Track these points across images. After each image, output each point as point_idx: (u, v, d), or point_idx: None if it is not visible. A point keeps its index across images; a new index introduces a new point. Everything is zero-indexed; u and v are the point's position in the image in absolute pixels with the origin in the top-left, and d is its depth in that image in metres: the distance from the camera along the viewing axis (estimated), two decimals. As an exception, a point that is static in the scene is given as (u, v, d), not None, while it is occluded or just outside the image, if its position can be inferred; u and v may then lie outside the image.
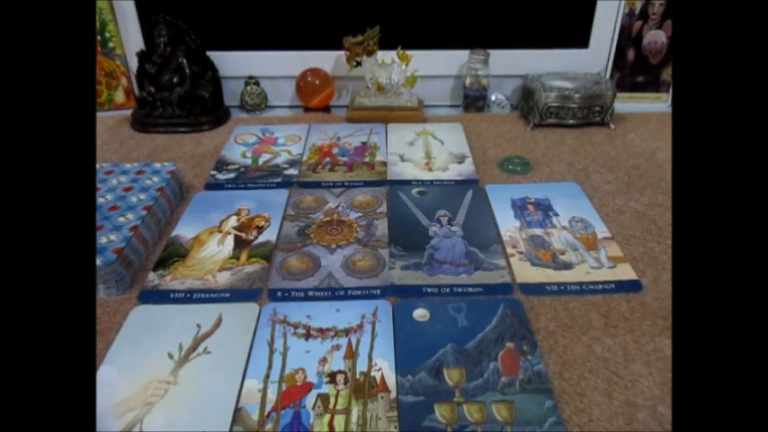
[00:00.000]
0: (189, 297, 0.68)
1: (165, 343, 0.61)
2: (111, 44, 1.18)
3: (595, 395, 0.55)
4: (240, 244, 0.78)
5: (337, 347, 0.60)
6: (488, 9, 1.18)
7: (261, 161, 1.01)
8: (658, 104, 1.26)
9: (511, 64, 1.22)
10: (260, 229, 0.81)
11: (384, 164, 0.99)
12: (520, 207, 0.86)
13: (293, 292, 0.69)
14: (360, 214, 0.85)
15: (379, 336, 0.62)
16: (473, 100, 1.22)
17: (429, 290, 0.69)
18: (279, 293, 0.68)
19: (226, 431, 0.51)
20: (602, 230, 0.80)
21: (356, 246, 0.77)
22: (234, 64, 1.21)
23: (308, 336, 0.62)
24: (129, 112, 1.18)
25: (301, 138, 1.09)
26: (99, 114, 1.21)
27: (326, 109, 1.25)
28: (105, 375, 0.57)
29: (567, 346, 0.61)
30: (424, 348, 0.60)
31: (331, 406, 0.54)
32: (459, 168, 0.98)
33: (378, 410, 0.53)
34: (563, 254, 0.76)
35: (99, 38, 1.17)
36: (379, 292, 0.68)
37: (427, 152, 1.04)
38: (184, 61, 1.14)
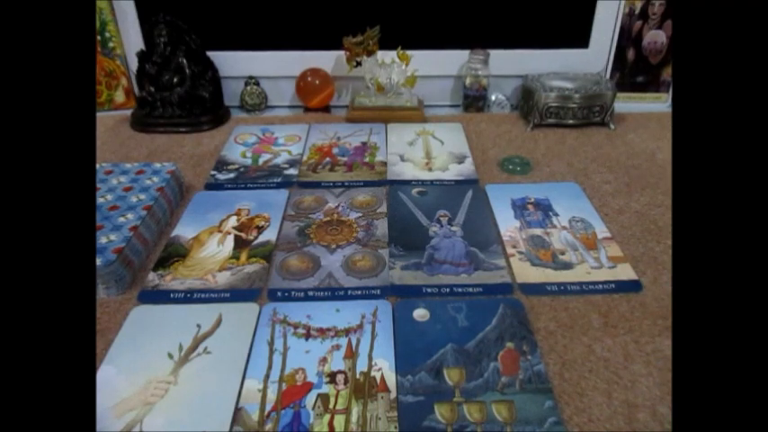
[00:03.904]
0: (189, 297, 0.68)
1: (165, 343, 0.61)
2: (111, 44, 1.18)
3: (595, 395, 0.55)
4: (240, 244, 0.78)
5: (337, 347, 0.60)
6: (488, 9, 1.18)
7: (261, 161, 1.01)
8: (658, 104, 1.26)
9: (511, 64, 1.22)
10: (260, 229, 0.81)
11: (384, 164, 0.99)
12: (520, 207, 0.86)
13: (293, 292, 0.69)
14: (360, 214, 0.85)
15: (379, 336, 0.62)
16: (473, 100, 1.22)
17: (429, 290, 0.69)
18: (279, 293, 0.68)
19: (226, 431, 0.51)
20: (602, 230, 0.80)
21: (356, 246, 0.77)
22: (234, 64, 1.21)
23: (308, 336, 0.62)
24: (129, 112, 1.18)
25: (301, 138, 1.09)
26: (99, 114, 1.21)
27: (326, 109, 1.25)
28: (105, 375, 0.57)
29: (567, 346, 0.61)
30: (423, 348, 0.60)
31: (331, 406, 0.54)
32: (459, 168, 0.98)
33: (378, 410, 0.53)
34: (563, 254, 0.76)
35: (99, 38, 1.17)
36: (379, 292, 0.68)
37: (427, 152, 1.04)
38: (184, 61, 1.14)
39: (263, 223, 0.82)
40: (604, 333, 0.62)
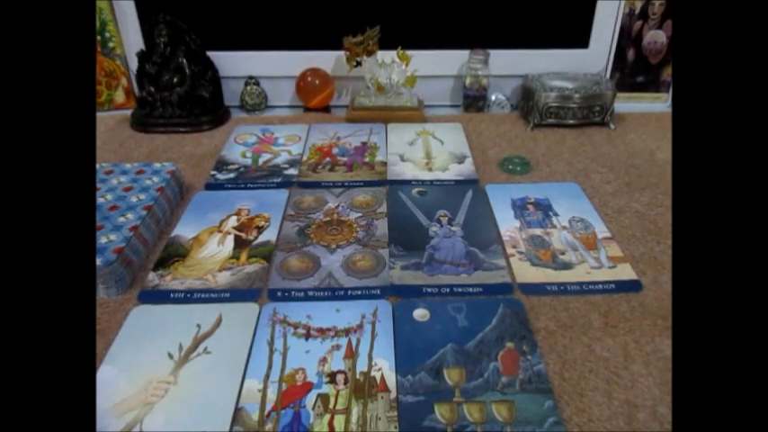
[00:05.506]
0: (189, 297, 0.68)
1: (165, 343, 0.61)
2: (111, 44, 1.18)
3: (595, 395, 0.55)
4: (240, 244, 0.78)
5: (337, 347, 0.60)
6: (488, 9, 1.18)
7: (261, 161, 1.01)
8: (658, 104, 1.26)
9: (511, 64, 1.22)
10: (260, 229, 0.81)
11: (384, 164, 0.99)
12: (520, 207, 0.86)
13: (293, 292, 0.69)
14: (360, 214, 0.84)
15: (379, 336, 0.62)
16: (473, 100, 1.22)
17: (429, 290, 0.69)
18: (279, 293, 0.68)
19: (226, 431, 0.51)
20: (602, 230, 0.80)
21: (356, 246, 0.77)
22: (234, 64, 1.21)
23: (308, 336, 0.62)
24: (129, 112, 1.18)
25: (301, 138, 1.09)
26: (99, 114, 1.21)
27: (326, 109, 1.25)
28: (105, 375, 0.57)
29: (567, 346, 0.61)
30: (424, 348, 0.60)
31: (331, 406, 0.54)
32: (459, 168, 0.98)
33: (378, 410, 0.53)
34: (563, 254, 0.76)
35: (99, 38, 1.17)
36: (379, 292, 0.68)
37: (427, 152, 1.04)
38: (184, 61, 1.14)
39: (263, 223, 0.82)
40: (604, 333, 0.62)
